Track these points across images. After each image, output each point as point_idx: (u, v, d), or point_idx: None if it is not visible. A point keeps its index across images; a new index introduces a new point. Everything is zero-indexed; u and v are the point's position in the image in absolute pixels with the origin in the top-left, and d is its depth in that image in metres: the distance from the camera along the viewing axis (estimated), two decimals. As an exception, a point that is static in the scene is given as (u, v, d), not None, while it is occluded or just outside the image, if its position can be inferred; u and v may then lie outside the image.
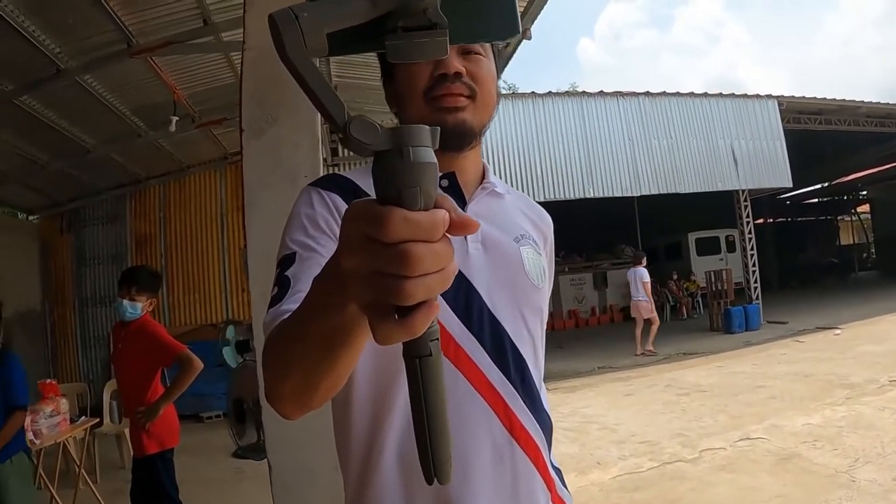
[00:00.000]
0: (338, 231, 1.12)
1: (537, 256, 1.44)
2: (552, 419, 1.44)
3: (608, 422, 8.86)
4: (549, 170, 15.98)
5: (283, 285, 1.14)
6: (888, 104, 20.99)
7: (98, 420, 7.32)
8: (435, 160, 0.61)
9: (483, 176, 1.47)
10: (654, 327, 15.37)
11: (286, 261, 1.19)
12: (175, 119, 8.18)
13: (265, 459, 3.54)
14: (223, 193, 12.46)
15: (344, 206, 1.26)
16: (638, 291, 15.37)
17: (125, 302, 4.78)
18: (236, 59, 7.75)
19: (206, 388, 9.36)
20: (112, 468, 7.64)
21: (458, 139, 1.31)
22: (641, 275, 15.39)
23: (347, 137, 0.60)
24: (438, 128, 0.62)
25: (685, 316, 22.80)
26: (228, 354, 8.25)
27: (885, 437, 6.65)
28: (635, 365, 13.73)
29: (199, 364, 4.83)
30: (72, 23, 6.41)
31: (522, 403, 1.32)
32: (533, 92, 16.41)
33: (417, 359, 0.64)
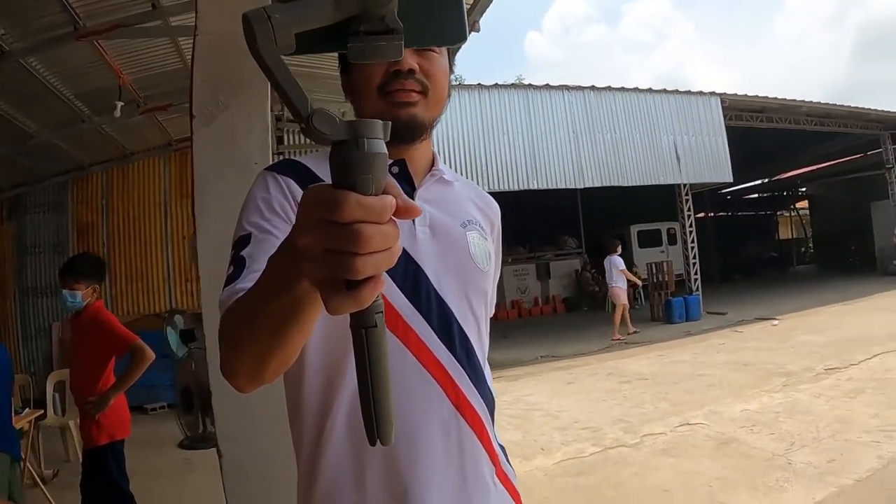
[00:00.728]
0: (292, 215, 1.21)
1: (483, 241, 1.50)
2: (495, 397, 1.49)
3: (551, 409, 8.97)
4: (494, 161, 16.02)
5: (238, 265, 1.19)
6: (828, 104, 21.48)
7: (42, 412, 7.21)
8: (386, 151, 0.67)
9: (433, 164, 1.53)
10: (626, 313, 16.04)
11: (242, 241, 1.23)
12: (120, 104, 7.94)
13: (213, 449, 3.54)
14: (167, 181, 12.25)
15: (298, 191, 1.31)
16: (612, 278, 15.88)
17: (65, 292, 4.73)
18: (184, 44, 7.70)
19: (151, 379, 9.17)
20: (57, 461, 7.53)
21: (410, 132, 1.36)
22: (616, 263, 15.90)
23: (310, 128, 0.67)
24: (390, 122, 0.69)
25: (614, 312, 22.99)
26: (173, 340, 8.20)
27: (820, 423, 6.85)
28: (577, 354, 13.87)
29: (152, 355, 4.80)
30: (18, 4, 6.27)
31: (468, 380, 1.37)
32: (479, 84, 16.43)
33: (364, 329, 0.71)
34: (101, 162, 11.90)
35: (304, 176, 1.36)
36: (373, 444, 0.74)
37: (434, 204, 1.42)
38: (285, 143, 12.28)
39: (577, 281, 25.72)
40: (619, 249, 16.50)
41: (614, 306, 16.16)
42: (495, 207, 1.68)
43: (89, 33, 6.81)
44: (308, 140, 8.93)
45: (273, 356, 0.95)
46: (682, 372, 10.71)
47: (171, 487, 6.45)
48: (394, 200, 0.66)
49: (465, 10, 0.82)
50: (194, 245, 3.51)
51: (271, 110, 3.75)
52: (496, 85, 16.72)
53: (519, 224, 24.68)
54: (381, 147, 0.66)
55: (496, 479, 1.43)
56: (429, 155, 1.52)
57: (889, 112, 22.57)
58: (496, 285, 1.65)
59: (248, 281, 1.09)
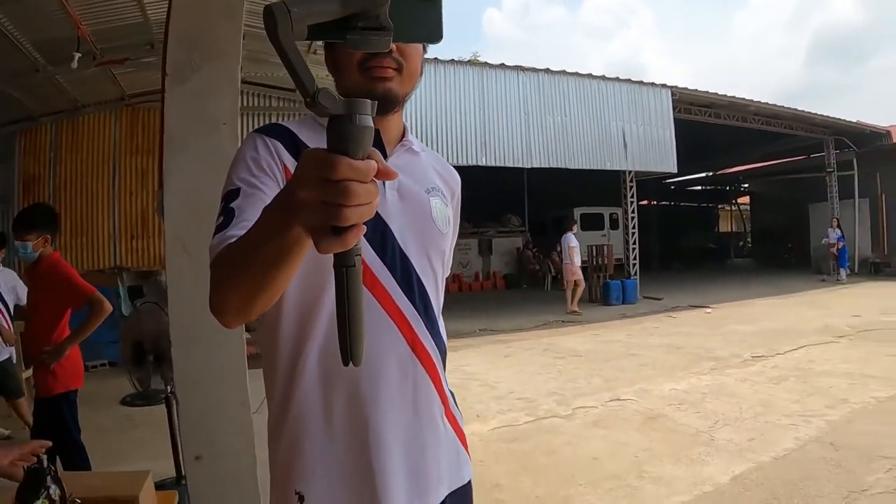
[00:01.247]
0: (278, 174, 1.40)
1: (444, 207, 1.67)
2: (447, 346, 1.67)
3: (488, 379, 9.18)
4: (446, 135, 16.06)
5: (228, 215, 1.30)
6: (776, 106, 21.99)
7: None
8: (373, 126, 0.83)
9: (403, 135, 1.67)
10: (579, 290, 16.56)
11: (231, 195, 1.35)
12: (77, 56, 7.79)
13: (156, 406, 3.58)
14: (118, 136, 11.97)
15: (285, 152, 1.45)
16: (566, 255, 16.60)
17: (17, 243, 4.74)
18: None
19: (93, 336, 9.12)
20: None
21: (385, 104, 1.47)
22: (569, 240, 16.53)
23: (315, 102, 0.84)
24: (377, 102, 0.87)
25: (566, 286, 23.14)
26: (123, 296, 8.16)
27: (744, 404, 7.14)
28: (515, 329, 14.13)
29: (109, 307, 4.80)
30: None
31: (424, 327, 1.53)
32: (436, 58, 16.30)
33: (345, 268, 0.87)
34: (52, 113, 11.58)
35: (290, 139, 1.50)
36: (346, 364, 0.90)
37: (402, 171, 1.52)
38: (247, 104, 12.28)
39: (518, 259, 25.97)
40: (576, 228, 17.17)
41: (576, 282, 16.67)
42: (456, 178, 1.85)
43: None
44: (265, 103, 8.96)
45: (262, 293, 1.10)
46: (615, 351, 11.00)
47: (114, 443, 6.42)
48: (375, 164, 0.83)
49: (443, 15, 1.00)
50: (161, 200, 3.59)
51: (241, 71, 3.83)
52: (452, 61, 16.67)
53: (465, 199, 24.78)
54: (370, 122, 0.83)
55: (444, 418, 1.60)
56: (400, 126, 1.66)
57: (834, 118, 23.19)
58: (453, 247, 1.81)
59: (238, 229, 1.22)
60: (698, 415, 6.92)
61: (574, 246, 16.62)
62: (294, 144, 1.49)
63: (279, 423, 1.50)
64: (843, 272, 21.79)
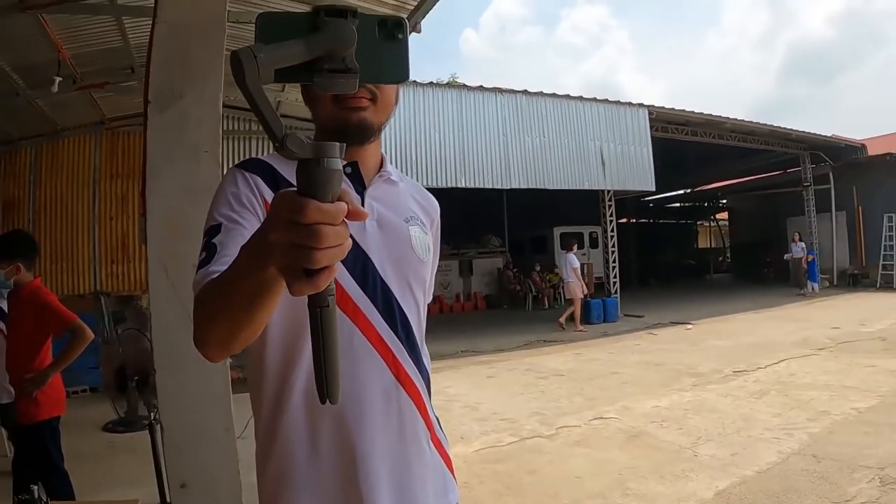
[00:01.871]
0: (258, 208, 1.43)
1: (423, 235, 1.69)
2: (430, 373, 1.70)
3: (470, 400, 9.19)
4: (424, 157, 16.06)
5: (210, 251, 1.34)
6: (752, 122, 22.10)
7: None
8: (341, 168, 0.85)
9: (381, 165, 1.70)
10: (577, 308, 16.77)
11: (213, 230, 1.38)
12: (58, 79, 7.75)
13: (137, 433, 3.56)
14: (98, 160, 11.85)
15: (264, 187, 1.49)
16: (568, 275, 16.74)
17: None
18: (127, 24, 7.66)
19: (74, 363, 9.05)
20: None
21: (360, 134, 1.52)
22: (571, 261, 16.68)
23: (283, 147, 0.84)
24: (345, 145, 0.89)
25: (547, 306, 23.25)
26: (105, 322, 8.08)
27: (726, 420, 7.19)
28: (497, 349, 14.13)
29: (91, 334, 4.77)
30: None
31: (407, 355, 1.56)
32: (415, 81, 16.30)
33: (319, 308, 0.89)
34: (32, 137, 11.44)
35: (269, 174, 1.53)
36: (323, 402, 0.93)
37: (381, 201, 1.60)
38: (229, 128, 12.26)
39: (498, 279, 25.94)
40: (575, 248, 17.39)
41: (570, 301, 17.03)
42: (435, 205, 1.88)
43: (35, 6, 6.67)
44: (246, 127, 8.97)
45: (243, 328, 1.13)
46: (597, 370, 11.02)
47: (96, 471, 6.32)
48: (346, 207, 0.84)
49: (408, 55, 1.02)
50: (143, 227, 3.60)
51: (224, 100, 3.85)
52: (431, 83, 16.72)
53: (445, 221, 24.78)
54: (338, 165, 0.84)
55: (430, 443, 1.62)
56: (378, 157, 1.69)
57: (810, 133, 23.37)
58: (434, 274, 1.84)
59: (220, 265, 1.26)
60: (681, 431, 6.95)
61: (577, 266, 16.84)
62: (273, 179, 1.52)
63: (266, 452, 1.52)
64: (814, 286, 21.90)
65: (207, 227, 1.41)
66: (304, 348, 1.45)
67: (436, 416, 1.71)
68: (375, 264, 1.55)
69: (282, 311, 1.32)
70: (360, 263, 1.52)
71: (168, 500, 4.17)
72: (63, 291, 11.27)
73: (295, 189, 0.85)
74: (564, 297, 17.67)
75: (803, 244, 22.38)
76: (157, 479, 4.93)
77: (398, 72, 1.01)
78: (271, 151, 1.33)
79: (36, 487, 2.01)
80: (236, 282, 1.05)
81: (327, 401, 0.93)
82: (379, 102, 1.52)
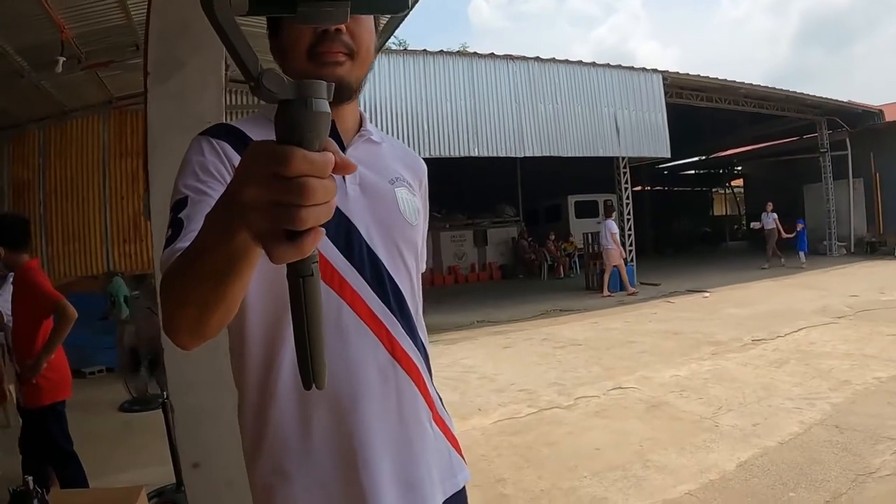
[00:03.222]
0: (227, 176, 1.29)
1: (411, 197, 1.57)
2: (427, 347, 1.58)
3: (487, 371, 9.14)
4: (436, 127, 16.04)
5: (176, 226, 1.23)
6: (767, 87, 21.88)
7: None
8: (329, 110, 0.72)
9: (361, 124, 1.58)
10: (623, 272, 17.11)
11: (179, 204, 1.27)
12: (62, 60, 7.77)
13: (153, 411, 3.53)
14: (106, 139, 11.77)
15: (234, 154, 1.35)
16: (607, 241, 16.79)
17: None
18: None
19: (89, 342, 9.07)
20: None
21: (338, 92, 1.34)
22: (610, 226, 16.84)
23: (259, 87, 0.71)
24: (333, 84, 0.75)
25: (562, 275, 23.35)
26: (121, 301, 8.05)
27: (746, 389, 7.11)
28: (512, 319, 14.08)
29: (73, 313, 4.69)
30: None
31: (402, 329, 1.46)
32: (425, 49, 16.38)
33: (301, 278, 0.77)
34: (39, 119, 11.42)
35: (238, 139, 1.40)
36: (308, 388, 0.81)
37: (363, 163, 1.44)
38: (233, 102, 12.15)
39: (513, 248, 25.92)
40: (615, 215, 17.57)
41: (605, 267, 17.42)
42: (422, 165, 1.74)
43: None
44: (252, 101, 8.80)
45: (214, 308, 0.99)
46: (614, 339, 10.96)
47: (113, 451, 6.32)
48: (333, 157, 0.72)
49: None
50: (147, 202, 3.52)
51: (226, 69, 3.76)
52: (441, 52, 16.63)
53: (458, 190, 24.74)
54: (326, 106, 0.72)
55: (433, 422, 1.53)
56: (356, 115, 1.58)
57: (826, 98, 23.15)
58: (426, 239, 1.72)
59: (186, 240, 1.12)
60: (701, 401, 6.88)
61: (616, 232, 17.04)
62: (243, 144, 1.37)
63: (256, 444, 1.42)
64: (802, 255, 21.02)
65: (173, 201, 1.30)
66: (289, 327, 1.33)
67: (438, 393, 1.61)
68: (361, 231, 1.43)
69: (260, 285, 1.25)
70: (343, 230, 1.40)
71: (181, 479, 4.13)
72: (76, 272, 11.33)
73: (268, 139, 0.73)
74: (603, 263, 17.52)
75: (775, 215, 21.62)
76: (172, 458, 4.90)
77: (396, 0, 0.84)
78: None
79: (31, 479, 1.94)
80: (202, 256, 0.92)
81: (313, 386, 0.81)
82: (357, 57, 1.40)
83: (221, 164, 1.34)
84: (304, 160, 0.69)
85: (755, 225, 22.24)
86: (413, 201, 1.57)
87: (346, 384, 1.36)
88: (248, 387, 1.43)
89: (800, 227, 21.15)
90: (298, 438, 1.37)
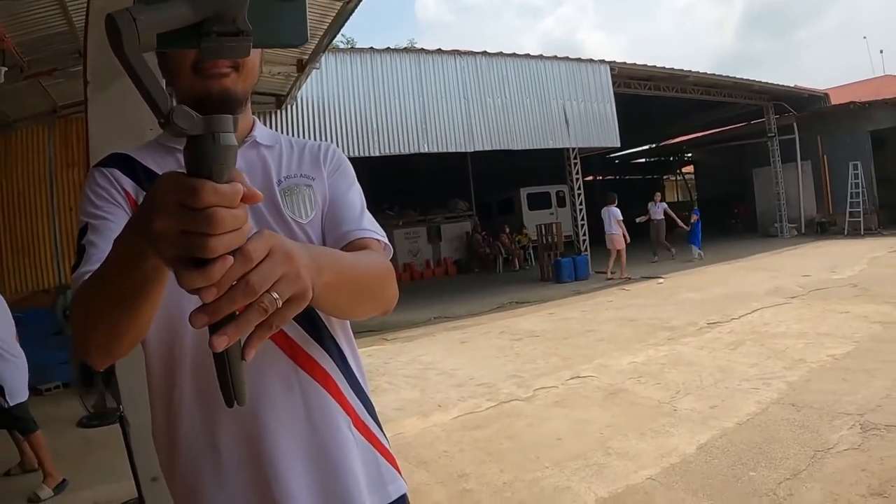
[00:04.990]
0: (120, 199, 1.32)
1: (304, 189, 1.53)
2: (349, 347, 1.54)
3: (446, 367, 9.13)
4: (385, 124, 15.91)
5: (80, 252, 1.26)
6: (714, 75, 22.21)
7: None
8: (236, 143, 0.76)
9: (250, 131, 1.56)
10: (623, 257, 17.33)
11: (81, 232, 1.30)
12: (4, 69, 7.62)
13: (112, 425, 3.51)
14: (52, 150, 11.47)
15: (123, 177, 1.40)
16: (611, 226, 17.20)
17: None
18: (70, 6, 7.40)
19: (43, 358, 8.80)
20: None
21: (224, 105, 1.34)
22: (615, 213, 17.28)
23: (169, 123, 0.74)
24: (238, 117, 0.82)
25: (517, 268, 23.44)
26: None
27: (703, 372, 7.17)
28: (469, 314, 14.12)
29: None
30: None
31: (304, 333, 1.42)
32: (371, 47, 16.21)
33: None
34: (-19, 131, 11.20)
35: (127, 165, 1.43)
36: (230, 405, 0.85)
37: (245, 171, 1.42)
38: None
39: (468, 243, 25.97)
40: (616, 201, 17.76)
41: (610, 251, 17.69)
42: (325, 148, 1.67)
43: None
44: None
45: (126, 329, 1.04)
46: (571, 328, 11.02)
47: (73, 468, 6.20)
48: (241, 187, 0.76)
49: (306, 15, 0.91)
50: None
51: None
52: (388, 49, 16.61)
53: (410, 187, 24.76)
54: (233, 140, 0.76)
55: (354, 429, 1.48)
56: (246, 125, 1.56)
57: (772, 84, 23.55)
58: (351, 217, 1.56)
59: (90, 264, 1.18)
60: (659, 386, 6.92)
61: (620, 218, 17.45)
62: (132, 168, 1.43)
63: (170, 462, 1.43)
64: (698, 251, 20.29)
65: (78, 231, 1.34)
66: (186, 342, 1.34)
67: (365, 399, 1.55)
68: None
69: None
70: None
71: (142, 493, 4.09)
72: (28, 287, 11.13)
73: (177, 171, 0.77)
74: (606, 247, 17.89)
75: (665, 205, 21.17)
76: (132, 473, 4.84)
77: (296, 33, 0.90)
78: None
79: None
80: (113, 278, 0.96)
81: (234, 403, 0.86)
82: (242, 70, 1.37)
83: (114, 189, 1.38)
84: (213, 192, 0.73)
85: (640, 219, 21.10)
86: (305, 193, 1.53)
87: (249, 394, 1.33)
88: (155, 402, 1.44)
89: (694, 218, 20.76)
90: (208, 452, 1.36)
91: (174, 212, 0.74)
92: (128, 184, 1.39)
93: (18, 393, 6.07)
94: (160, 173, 1.39)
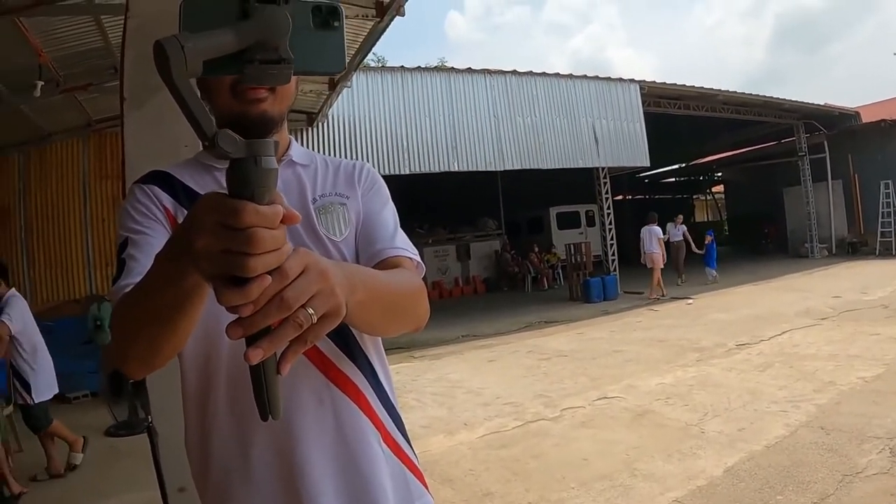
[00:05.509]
0: (160, 216, 1.37)
1: (338, 207, 1.56)
2: (380, 363, 1.56)
3: (473, 386, 9.12)
4: (416, 143, 16.05)
5: (120, 266, 1.31)
6: (745, 94, 22.08)
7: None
8: (277, 167, 0.79)
9: (286, 150, 1.58)
10: (657, 275, 17.37)
11: (121, 247, 1.35)
12: (40, 84, 7.73)
13: (140, 435, 3.53)
14: (86, 163, 11.81)
15: (162, 194, 1.44)
16: (652, 245, 17.34)
17: None
18: (106, 23, 7.54)
19: (72, 367, 8.90)
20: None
21: (262, 127, 1.38)
22: (657, 232, 17.46)
23: (214, 146, 0.77)
24: (279, 141, 0.81)
25: (546, 287, 23.28)
26: (104, 324, 8.03)
27: (732, 394, 7.13)
28: (497, 333, 14.08)
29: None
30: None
31: (337, 349, 1.45)
32: (402, 66, 16.42)
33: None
34: (19, 144, 11.37)
35: (166, 182, 1.47)
36: (265, 419, 0.88)
37: (283, 190, 1.46)
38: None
39: (496, 262, 25.87)
40: (657, 220, 17.95)
41: (651, 269, 17.66)
42: (360, 167, 1.70)
43: (10, 10, 6.59)
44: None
45: (164, 342, 1.08)
46: (599, 349, 10.97)
47: (98, 476, 6.34)
48: (281, 209, 0.79)
49: (344, 44, 0.95)
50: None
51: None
52: (419, 68, 16.70)
53: (439, 205, 24.75)
54: (274, 164, 0.79)
55: (383, 443, 1.49)
56: (284, 144, 1.58)
57: (803, 102, 23.30)
58: (384, 236, 1.58)
59: (131, 277, 1.23)
60: (686, 408, 6.89)
61: (661, 237, 17.86)
62: (171, 186, 1.47)
63: (203, 472, 1.46)
64: (713, 272, 19.67)
65: (117, 245, 1.38)
66: (221, 356, 1.38)
67: (395, 414, 1.58)
68: None
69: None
70: None
71: (168, 504, 4.12)
72: (59, 297, 11.29)
73: (219, 192, 0.81)
74: (647, 265, 17.85)
75: (684, 227, 20.04)
76: (158, 483, 4.88)
77: (334, 61, 0.95)
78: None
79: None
80: (154, 293, 0.99)
81: (269, 417, 0.88)
82: (278, 92, 1.40)
83: (153, 206, 1.42)
84: (254, 213, 0.76)
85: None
86: (339, 212, 1.56)
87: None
88: (189, 413, 1.47)
89: (708, 239, 20.00)
90: (240, 466, 1.39)
91: (216, 231, 0.77)
92: (167, 200, 1.43)
93: (45, 392, 6.41)
94: (198, 191, 1.46)
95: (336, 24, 0.93)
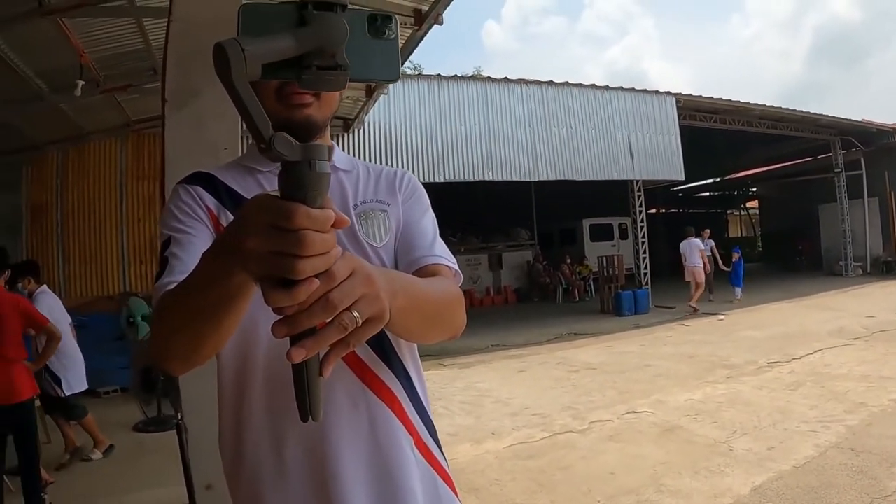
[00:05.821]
0: (203, 216, 1.40)
1: (379, 214, 1.58)
2: (415, 370, 1.60)
3: (502, 395, 9.12)
4: (451, 151, 16.08)
5: (163, 264, 1.33)
6: (781, 108, 21.88)
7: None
8: (329, 172, 0.81)
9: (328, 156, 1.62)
10: (697, 289, 17.46)
11: (165, 245, 1.38)
12: (81, 83, 7.85)
13: (167, 432, 3.56)
14: (123, 162, 11.99)
15: (206, 195, 1.47)
16: (694, 258, 17.46)
17: None
18: (147, 25, 7.64)
19: (103, 363, 9.09)
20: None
21: (306, 132, 1.39)
22: (697, 243, 17.62)
23: (270, 148, 0.79)
24: (334, 146, 0.82)
25: (577, 299, 23.22)
26: (140, 321, 8.12)
27: (761, 412, 7.08)
28: (527, 343, 14.06)
29: None
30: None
31: (373, 354, 1.47)
32: (438, 74, 16.50)
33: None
34: (58, 141, 11.55)
35: (209, 183, 1.50)
36: (305, 420, 0.89)
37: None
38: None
39: (528, 272, 25.84)
40: (694, 233, 18.07)
41: (690, 283, 17.79)
42: (401, 175, 1.72)
43: (54, 10, 6.71)
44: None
45: (207, 340, 1.10)
46: (629, 362, 10.94)
47: (125, 471, 6.43)
48: (332, 213, 0.80)
49: (399, 54, 0.97)
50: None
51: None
52: (455, 76, 16.76)
53: (472, 214, 24.74)
54: (327, 168, 0.80)
55: (416, 449, 1.51)
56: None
57: (840, 118, 23.08)
58: (424, 243, 1.61)
59: (174, 275, 1.25)
60: (715, 425, 6.85)
61: (702, 249, 17.94)
62: (214, 187, 1.50)
63: (234, 472, 1.47)
64: (738, 291, 19.10)
65: (160, 243, 1.41)
66: (259, 355, 1.40)
67: (428, 421, 1.61)
68: None
69: None
70: None
71: (196, 501, 4.15)
72: (93, 293, 11.43)
73: (270, 193, 0.82)
74: (687, 279, 18.04)
75: (712, 242, 19.55)
76: (185, 480, 4.92)
77: (389, 70, 0.96)
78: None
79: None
80: (200, 291, 1.01)
81: (309, 419, 0.90)
82: (323, 98, 1.43)
83: (197, 206, 1.45)
84: (306, 216, 0.77)
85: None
86: (380, 219, 1.58)
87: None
88: (224, 411, 1.49)
89: (735, 256, 19.85)
90: (272, 466, 1.40)
91: (267, 232, 0.78)
92: (210, 201, 1.46)
93: (75, 385, 6.66)
94: (242, 193, 1.50)
95: (391, 33, 0.95)
